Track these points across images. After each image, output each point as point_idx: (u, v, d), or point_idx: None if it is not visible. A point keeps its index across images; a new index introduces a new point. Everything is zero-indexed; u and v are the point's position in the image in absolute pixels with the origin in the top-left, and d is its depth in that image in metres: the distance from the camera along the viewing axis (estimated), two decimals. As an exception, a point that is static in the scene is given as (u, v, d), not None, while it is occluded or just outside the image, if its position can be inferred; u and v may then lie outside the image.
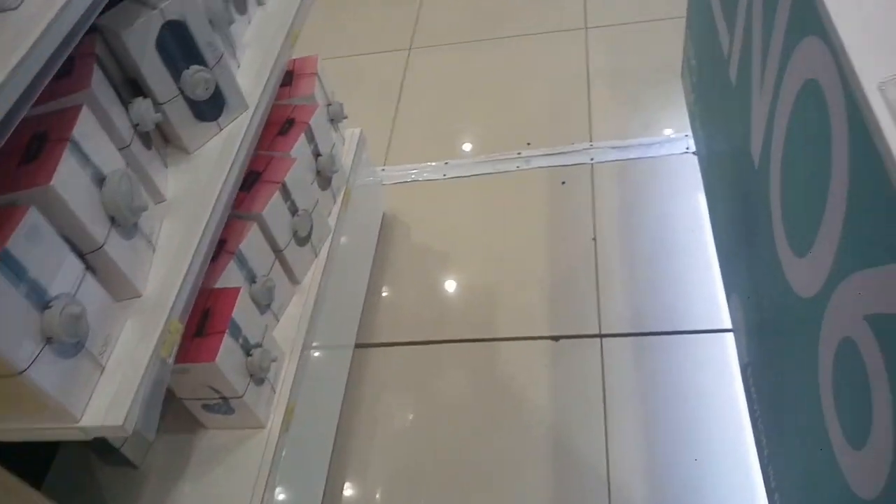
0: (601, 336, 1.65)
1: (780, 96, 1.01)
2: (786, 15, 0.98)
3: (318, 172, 1.34)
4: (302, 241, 1.28)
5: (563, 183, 2.06)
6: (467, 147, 2.19)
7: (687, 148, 2.05)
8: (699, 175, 1.90)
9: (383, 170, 2.13)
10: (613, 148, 2.12)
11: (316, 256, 1.34)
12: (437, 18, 2.71)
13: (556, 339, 1.65)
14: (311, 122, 1.33)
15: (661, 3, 2.40)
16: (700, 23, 1.66)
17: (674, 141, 2.09)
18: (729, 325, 1.59)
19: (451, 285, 1.85)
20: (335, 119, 1.50)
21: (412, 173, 2.12)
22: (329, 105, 1.49)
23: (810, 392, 0.90)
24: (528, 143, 2.18)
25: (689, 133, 2.03)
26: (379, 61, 2.57)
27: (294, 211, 1.26)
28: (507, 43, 2.52)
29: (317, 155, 1.34)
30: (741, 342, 1.42)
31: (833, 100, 0.81)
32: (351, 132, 1.62)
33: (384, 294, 1.86)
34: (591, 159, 2.10)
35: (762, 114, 1.11)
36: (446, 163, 2.13)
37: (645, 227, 1.89)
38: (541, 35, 2.51)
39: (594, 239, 1.88)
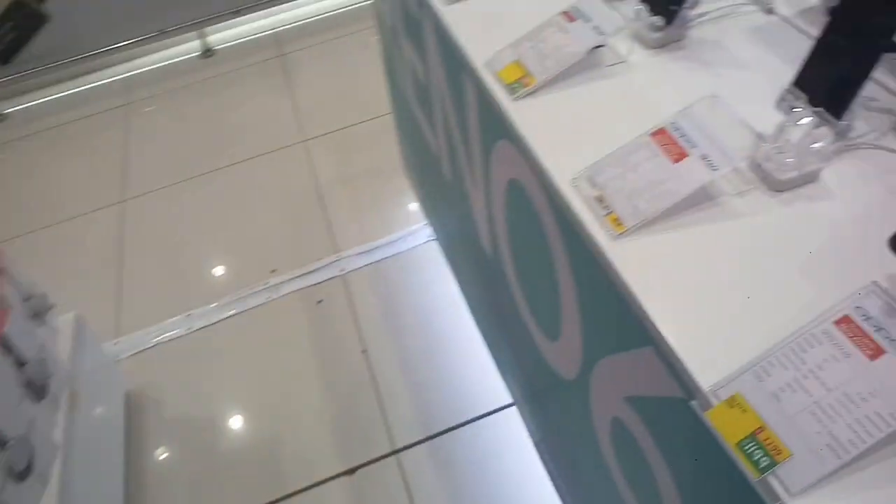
0: (396, 452, 1.59)
1: (492, 194, 1.05)
2: (476, 120, 1.02)
3: (28, 384, 1.13)
4: (20, 476, 1.05)
5: (320, 302, 1.99)
6: (209, 291, 2.03)
7: (429, 236, 2.09)
8: (444, 261, 1.95)
9: (116, 343, 1.89)
10: (360, 254, 2.10)
11: (45, 485, 1.11)
12: (146, 162, 2.54)
13: (351, 471, 1.55)
14: (4, 331, 1.13)
15: (370, 102, 2.49)
16: (406, 124, 1.73)
17: (416, 232, 2.13)
18: (512, 399, 1.61)
19: (224, 452, 1.67)
20: (39, 313, 1.29)
21: (153, 337, 1.91)
22: (28, 300, 1.28)
23: (599, 466, 0.90)
24: (274, 270, 2.08)
25: (426, 223, 2.09)
26: (90, 222, 2.33)
27: (2, 444, 1.04)
28: (228, 172, 2.43)
29: (21, 364, 1.14)
30: (528, 419, 1.43)
31: (536, 197, 0.85)
32: (65, 319, 1.41)
33: (150, 488, 1.62)
34: (342, 270, 2.06)
35: (481, 208, 1.14)
36: (189, 314, 1.96)
37: (410, 325, 1.88)
38: (261, 157, 2.46)
39: (364, 351, 1.83)
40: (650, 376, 0.66)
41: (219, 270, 2.14)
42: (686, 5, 0.85)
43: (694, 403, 0.54)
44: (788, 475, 0.48)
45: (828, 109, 0.70)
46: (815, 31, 0.85)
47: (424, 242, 2.09)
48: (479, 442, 1.62)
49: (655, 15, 0.87)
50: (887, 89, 0.74)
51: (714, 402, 0.54)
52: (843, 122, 0.69)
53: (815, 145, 0.67)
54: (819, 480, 0.47)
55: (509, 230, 1.03)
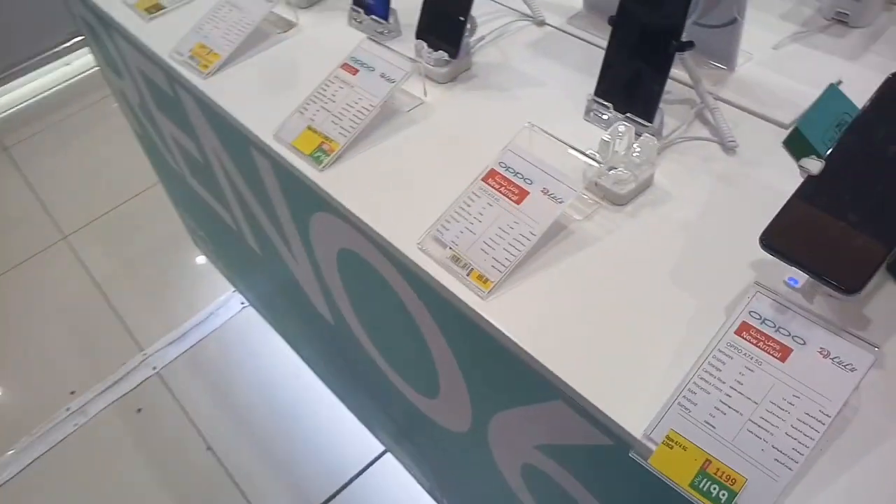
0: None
1: (321, 265, 0.97)
2: (281, 196, 0.94)
3: None
4: None
5: (139, 410, 1.78)
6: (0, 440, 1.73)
7: (242, 303, 1.95)
8: (267, 327, 1.82)
9: None
10: (170, 344, 1.90)
11: None
12: None
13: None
14: None
15: (129, 178, 2.25)
16: (185, 197, 1.57)
17: (225, 303, 1.97)
18: (384, 447, 1.56)
19: None
20: None
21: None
22: None
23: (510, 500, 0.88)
24: (73, 392, 1.82)
25: (234, 290, 1.94)
26: None
27: None
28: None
29: None
30: (412, 467, 1.38)
31: (380, 266, 0.79)
32: None
33: None
34: (155, 368, 1.86)
35: (310, 279, 1.06)
36: (-14, 477, 1.65)
37: (250, 404, 1.73)
38: (18, 269, 2.13)
39: (209, 448, 1.66)
40: (565, 427, 0.64)
41: (4, 410, 1.82)
42: (466, 35, 0.84)
43: (633, 454, 0.53)
44: (751, 502, 0.48)
45: (637, 114, 0.72)
46: (588, 35, 0.88)
47: (239, 311, 1.94)
48: (367, 499, 1.55)
49: (437, 50, 0.84)
50: (679, 81, 0.77)
51: (652, 446, 0.52)
52: (654, 125, 0.71)
53: (638, 151, 0.68)
54: (780, 496, 0.47)
55: (353, 300, 0.96)
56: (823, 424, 0.48)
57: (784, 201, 0.63)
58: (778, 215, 0.53)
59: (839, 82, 0.74)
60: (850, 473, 0.49)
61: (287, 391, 1.75)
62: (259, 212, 1.07)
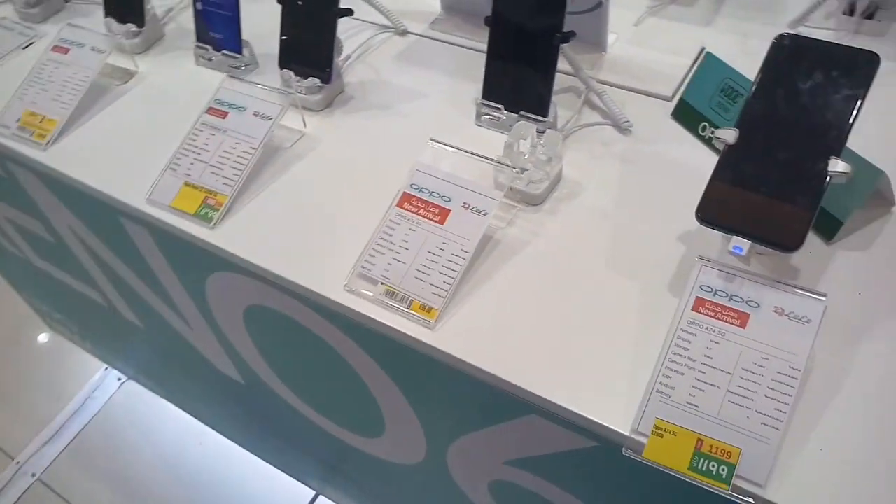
0: None
1: (223, 327, 0.90)
2: (166, 263, 0.85)
3: None
4: None
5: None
6: None
7: (119, 378, 1.78)
8: (155, 397, 1.68)
9: None
10: (45, 444, 1.71)
11: None
12: None
13: None
14: None
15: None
16: (35, 285, 1.40)
17: (101, 383, 1.80)
18: (313, 493, 1.49)
19: None
20: None
21: None
22: None
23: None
24: (-57, 525, 1.60)
25: (108, 367, 1.77)
26: None
27: None
28: None
29: None
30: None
31: (302, 316, 0.74)
32: None
33: None
34: (34, 475, 1.67)
35: (210, 343, 0.98)
36: None
37: (154, 480, 1.60)
38: None
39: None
40: (541, 438, 0.63)
41: None
42: (337, 58, 0.80)
43: (627, 451, 0.52)
44: (751, 470, 0.49)
45: (530, 111, 0.71)
46: (454, 38, 0.87)
47: (118, 388, 1.78)
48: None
49: (307, 78, 0.80)
50: (559, 71, 0.77)
51: (642, 440, 0.52)
52: (550, 118, 0.71)
53: (544, 147, 0.67)
54: (775, 457, 0.49)
55: (268, 357, 0.90)
56: (796, 379, 0.50)
57: (686, 170, 0.65)
58: (707, 189, 0.55)
59: (702, 50, 0.78)
60: (828, 415, 0.51)
61: (193, 459, 1.63)
62: (137, 284, 0.97)
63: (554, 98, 0.74)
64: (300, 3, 0.77)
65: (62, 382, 1.80)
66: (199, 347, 1.03)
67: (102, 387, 1.78)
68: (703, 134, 0.70)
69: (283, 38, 0.80)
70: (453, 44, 0.86)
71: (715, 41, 0.79)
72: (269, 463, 1.50)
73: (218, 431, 1.58)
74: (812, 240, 0.61)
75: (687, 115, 0.71)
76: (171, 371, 1.34)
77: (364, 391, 0.77)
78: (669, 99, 0.75)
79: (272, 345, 0.86)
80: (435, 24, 0.89)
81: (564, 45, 0.69)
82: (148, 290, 0.96)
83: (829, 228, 0.60)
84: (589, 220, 0.66)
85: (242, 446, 1.54)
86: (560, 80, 0.78)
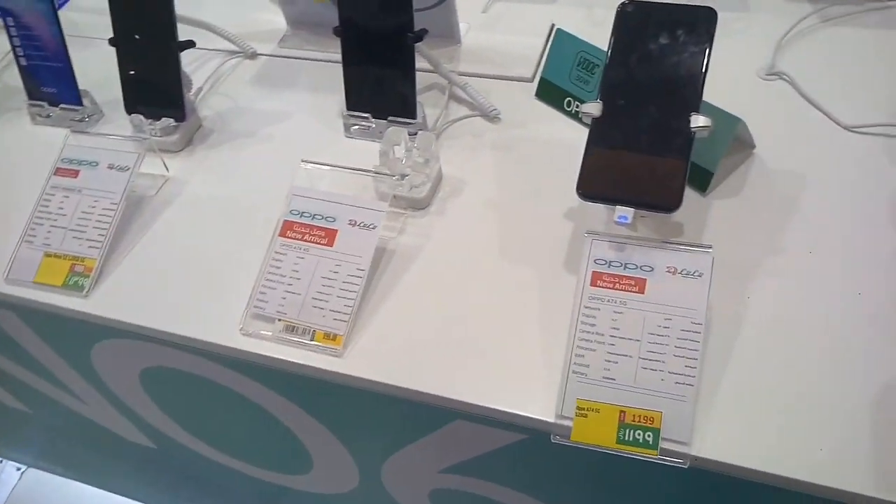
0: None
1: (119, 394, 0.84)
2: (39, 342, 0.79)
3: None
4: None
5: None
6: None
7: (19, 468, 1.65)
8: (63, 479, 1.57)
9: None
10: (-52, 557, 1.56)
11: None
12: None
13: None
14: None
15: None
16: None
17: (-3, 478, 1.65)
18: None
19: None
20: None
21: None
22: None
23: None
24: None
25: (1, 459, 1.63)
26: None
27: None
28: None
29: None
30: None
31: (204, 370, 0.70)
32: None
33: None
34: None
35: (109, 414, 0.91)
36: None
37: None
38: None
39: None
40: (471, 441, 0.62)
41: None
42: (188, 93, 0.75)
43: (556, 438, 0.52)
44: (674, 430, 0.50)
45: (399, 115, 0.70)
46: (305, 52, 0.84)
47: (20, 478, 1.64)
48: None
49: (159, 119, 0.75)
50: (418, 69, 0.77)
51: (567, 423, 0.52)
52: (419, 120, 0.70)
53: (419, 150, 0.66)
54: (694, 413, 0.50)
55: (175, 416, 0.84)
56: (699, 333, 0.51)
57: (559, 147, 0.66)
58: (583, 164, 0.55)
59: (552, 26, 0.79)
60: (734, 361, 0.53)
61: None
62: (11, 367, 0.89)
63: (419, 98, 0.73)
64: (137, 38, 0.72)
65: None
66: (97, 421, 0.96)
67: (0, 480, 1.64)
68: (568, 109, 0.71)
69: (125, 80, 0.75)
70: (306, 59, 0.84)
71: (563, 16, 0.81)
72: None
73: (140, 501, 1.48)
74: (689, 194, 0.63)
75: (550, 93, 0.72)
76: (74, 450, 1.25)
77: (284, 431, 0.74)
78: (531, 80, 0.75)
79: (177, 404, 0.81)
80: (284, 42, 0.86)
81: (419, 43, 0.68)
82: (26, 372, 0.89)
83: (702, 181, 0.63)
84: (477, 215, 0.66)
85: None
86: (422, 79, 0.77)
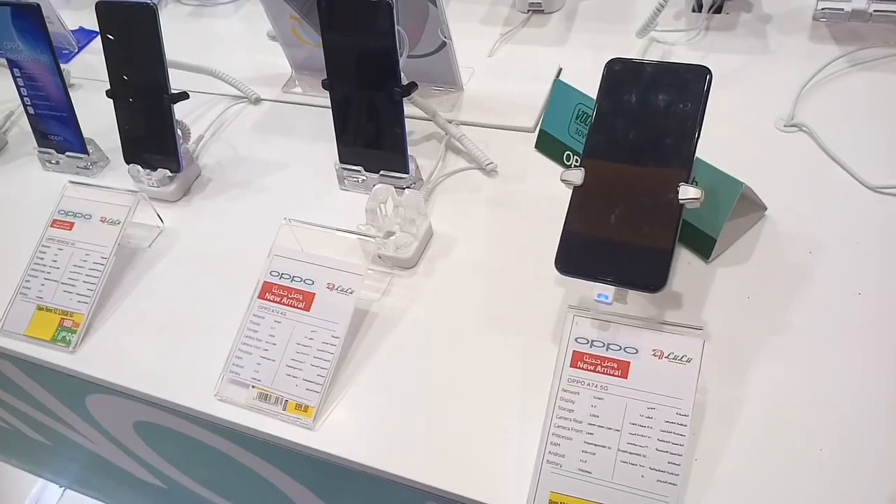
0: None
1: (123, 441, 0.84)
2: (42, 391, 0.79)
3: None
4: None
5: None
6: None
7: (61, 486, 1.69)
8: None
9: None
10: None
11: None
12: None
13: None
14: None
15: None
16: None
17: (42, 496, 1.70)
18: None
19: None
20: None
21: None
22: None
23: None
24: None
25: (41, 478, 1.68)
26: None
27: None
28: None
29: None
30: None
31: (185, 429, 0.68)
32: None
33: None
34: None
35: (119, 456, 0.91)
36: None
37: None
38: None
39: None
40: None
41: None
42: (180, 144, 0.74)
43: (526, 534, 0.48)
44: (653, 534, 0.45)
45: (391, 169, 0.68)
46: (309, 98, 0.83)
47: (61, 497, 1.68)
48: None
49: (156, 169, 0.75)
50: (417, 117, 0.74)
51: (541, 519, 0.48)
52: (411, 174, 0.67)
53: (405, 208, 0.64)
54: (676, 516, 0.46)
55: (177, 464, 0.84)
56: (685, 426, 0.47)
57: (558, 204, 0.62)
58: (563, 236, 0.51)
59: (559, 71, 0.75)
60: (728, 453, 0.48)
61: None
62: (25, 408, 0.90)
63: (415, 149, 0.71)
64: (132, 90, 0.72)
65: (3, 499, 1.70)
66: (109, 459, 0.97)
67: (43, 499, 1.68)
68: (567, 163, 0.67)
69: (122, 132, 0.75)
70: (310, 104, 0.82)
71: (571, 59, 0.77)
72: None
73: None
74: (692, 261, 0.59)
75: (549, 145, 0.68)
76: (102, 481, 1.26)
77: (271, 487, 0.72)
78: (532, 130, 0.72)
79: (174, 454, 0.81)
80: (288, 87, 0.85)
81: (414, 93, 0.66)
82: (37, 412, 0.90)
83: (705, 247, 0.58)
84: (465, 277, 0.63)
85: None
86: (420, 128, 0.75)
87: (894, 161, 0.61)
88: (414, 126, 0.74)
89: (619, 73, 0.52)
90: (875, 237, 0.57)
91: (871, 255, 0.56)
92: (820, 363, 0.51)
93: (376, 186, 0.64)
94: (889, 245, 0.56)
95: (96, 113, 0.79)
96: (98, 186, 0.72)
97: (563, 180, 0.52)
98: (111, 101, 0.74)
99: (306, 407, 0.57)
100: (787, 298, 0.55)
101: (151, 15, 0.69)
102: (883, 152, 0.62)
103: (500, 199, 0.68)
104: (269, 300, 0.61)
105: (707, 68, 0.50)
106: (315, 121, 0.81)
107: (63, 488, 1.68)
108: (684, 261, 0.59)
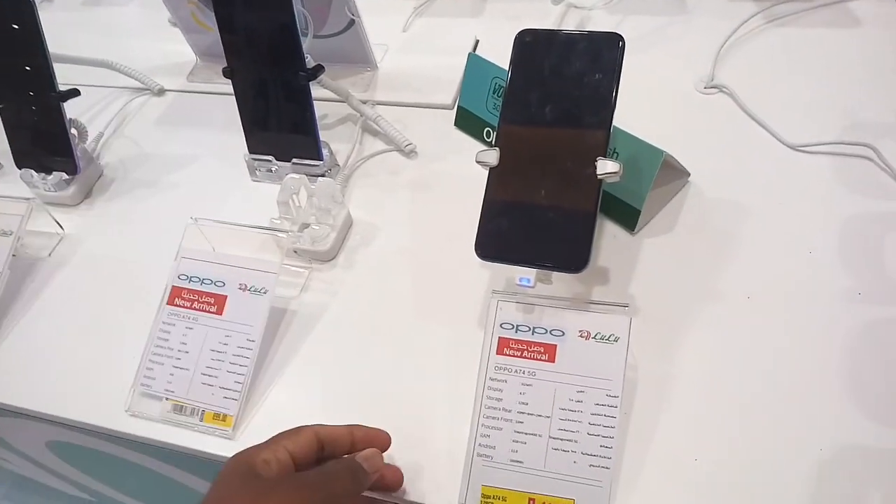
0: None
1: (40, 460, 0.79)
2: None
3: None
4: None
5: None
6: None
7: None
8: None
9: None
10: None
11: None
12: None
13: None
14: None
15: None
16: None
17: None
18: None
19: None
20: None
21: None
22: None
23: None
24: None
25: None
26: None
27: None
28: None
29: None
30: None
31: (102, 446, 0.64)
32: None
33: None
34: None
35: (41, 473, 0.86)
36: None
37: None
38: None
39: None
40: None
41: None
42: (76, 144, 0.69)
43: (458, 529, 0.46)
44: (589, 521, 0.44)
45: (303, 156, 0.64)
46: (216, 87, 0.78)
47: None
48: None
49: (52, 173, 0.69)
50: (331, 100, 0.70)
51: (471, 513, 0.46)
52: (325, 161, 0.64)
53: (319, 197, 0.60)
54: (611, 498, 0.44)
55: (102, 479, 0.79)
56: (616, 407, 0.45)
57: (480, 184, 0.59)
58: (481, 220, 0.49)
59: (476, 43, 0.73)
60: (660, 432, 0.47)
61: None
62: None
63: (329, 133, 0.67)
64: (15, 89, 0.66)
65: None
66: (32, 477, 0.92)
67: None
68: (488, 140, 0.64)
69: (10, 135, 0.69)
70: (218, 93, 0.78)
71: (488, 31, 0.74)
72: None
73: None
74: (618, 234, 0.57)
75: (468, 122, 0.66)
76: (28, 496, 1.21)
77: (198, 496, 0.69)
78: (451, 107, 0.69)
79: (95, 470, 0.76)
80: (193, 76, 0.80)
81: (323, 75, 0.62)
82: None
83: (629, 219, 0.56)
84: (387, 267, 0.60)
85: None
86: (335, 111, 0.71)
87: (813, 119, 0.60)
88: (326, 109, 0.71)
89: (530, 45, 0.50)
90: (798, 196, 0.56)
91: (795, 214, 0.55)
92: (750, 329, 0.50)
93: (286, 177, 0.60)
94: (813, 203, 0.55)
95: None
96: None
97: (478, 161, 0.49)
98: (-8, 101, 0.68)
99: (224, 416, 0.54)
100: (714, 265, 0.54)
101: (28, 6, 0.63)
102: (802, 110, 0.61)
103: (421, 181, 0.65)
104: (179, 305, 0.57)
105: (620, 35, 0.48)
106: (224, 110, 0.76)
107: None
108: (609, 234, 0.57)
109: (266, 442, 0.43)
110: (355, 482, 0.43)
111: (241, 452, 0.42)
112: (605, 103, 0.47)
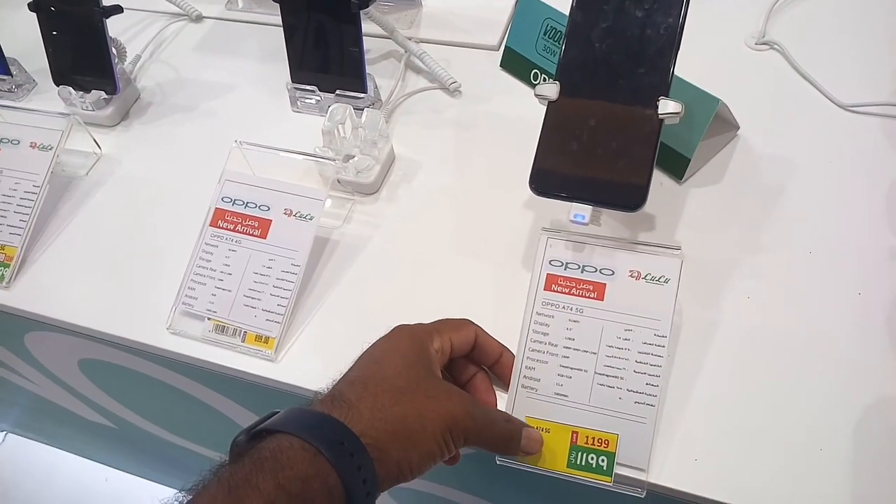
0: None
1: (66, 380, 0.80)
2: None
3: None
4: None
5: None
6: None
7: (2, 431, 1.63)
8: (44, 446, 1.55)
9: None
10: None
11: None
12: None
13: None
14: None
15: None
16: None
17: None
18: None
19: None
20: None
21: None
22: None
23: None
24: None
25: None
26: None
27: None
28: None
29: None
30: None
31: (136, 365, 0.65)
32: None
33: None
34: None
35: (63, 396, 0.87)
36: None
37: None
38: None
39: None
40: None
41: None
42: (116, 62, 0.68)
43: (500, 460, 0.47)
44: (631, 455, 0.45)
45: (347, 88, 0.64)
46: (255, 16, 0.77)
47: (2, 441, 1.62)
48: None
49: (90, 91, 0.68)
50: (374, 35, 0.69)
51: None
52: (369, 94, 0.63)
53: (366, 129, 0.60)
54: (654, 435, 0.45)
55: (126, 403, 0.80)
56: (663, 346, 0.46)
57: (526, 125, 0.59)
58: (537, 155, 0.49)
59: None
60: (703, 377, 0.48)
61: (101, 498, 1.51)
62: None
63: (372, 68, 0.67)
64: (52, 9, 0.65)
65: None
66: (53, 400, 0.93)
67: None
68: (535, 82, 0.64)
69: (49, 50, 0.68)
70: (256, 23, 0.77)
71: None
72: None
73: (120, 469, 1.46)
74: (664, 182, 0.57)
75: (515, 63, 0.65)
76: (45, 423, 1.22)
77: (234, 426, 0.70)
78: (496, 48, 0.68)
79: (122, 391, 0.77)
80: (232, 3, 0.79)
81: (368, 8, 0.61)
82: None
83: (678, 167, 0.56)
84: (430, 202, 0.60)
85: (149, 479, 1.44)
86: (377, 46, 0.71)
87: (865, 78, 0.60)
88: (371, 44, 0.70)
89: (596, -20, 0.49)
90: (847, 155, 0.56)
91: (843, 173, 0.55)
92: (795, 281, 0.50)
93: (332, 106, 0.60)
94: (861, 163, 0.55)
95: (18, 30, 0.72)
96: (26, 109, 0.66)
97: (537, 95, 0.49)
98: (34, 15, 0.67)
99: (267, 338, 0.54)
100: (760, 218, 0.54)
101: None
102: (854, 70, 0.61)
103: (465, 120, 0.64)
104: (222, 228, 0.57)
105: (688, -24, 0.47)
106: (262, 39, 0.75)
107: (4, 433, 1.62)
108: (657, 181, 0.57)
109: (434, 325, 0.45)
110: (505, 446, 0.44)
111: (412, 328, 0.44)
112: (670, 43, 0.47)
